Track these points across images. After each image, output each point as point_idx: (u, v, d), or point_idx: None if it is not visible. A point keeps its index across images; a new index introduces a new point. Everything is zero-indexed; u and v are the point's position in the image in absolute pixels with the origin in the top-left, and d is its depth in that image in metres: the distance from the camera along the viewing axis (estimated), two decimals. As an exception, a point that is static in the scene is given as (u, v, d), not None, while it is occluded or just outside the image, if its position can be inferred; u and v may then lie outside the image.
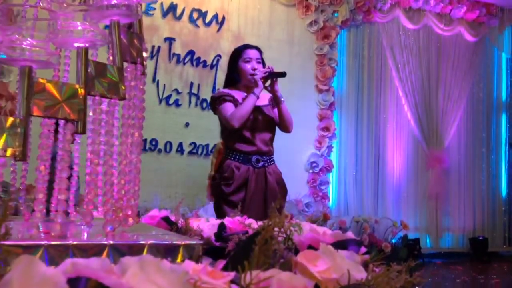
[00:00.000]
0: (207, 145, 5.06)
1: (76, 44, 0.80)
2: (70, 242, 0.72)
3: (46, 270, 0.46)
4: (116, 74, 0.87)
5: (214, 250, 1.25)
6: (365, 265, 0.73)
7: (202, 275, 0.49)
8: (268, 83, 3.00)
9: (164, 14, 5.04)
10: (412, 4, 6.13)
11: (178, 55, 5.08)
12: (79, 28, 0.80)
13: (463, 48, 6.47)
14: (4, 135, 0.71)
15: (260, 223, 1.22)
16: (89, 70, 0.83)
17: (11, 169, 1.05)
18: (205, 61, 5.17)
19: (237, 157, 3.00)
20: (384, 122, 6.07)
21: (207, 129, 4.92)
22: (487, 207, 6.57)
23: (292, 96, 5.33)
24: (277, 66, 5.19)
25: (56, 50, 0.94)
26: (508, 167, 6.81)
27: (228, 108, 2.97)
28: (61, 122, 0.89)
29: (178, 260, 0.77)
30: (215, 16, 5.23)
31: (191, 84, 5.12)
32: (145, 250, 0.75)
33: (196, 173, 4.95)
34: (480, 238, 6.33)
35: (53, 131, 0.80)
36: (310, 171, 5.55)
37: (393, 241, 4.83)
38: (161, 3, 5.01)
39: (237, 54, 3.13)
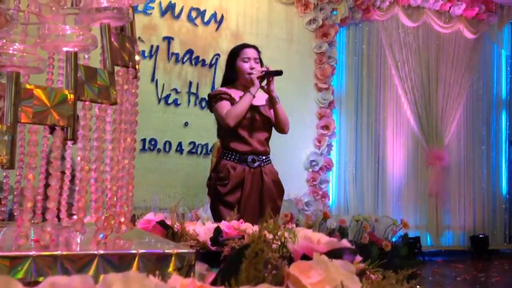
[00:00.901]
0: (206, 145, 5.04)
1: (65, 49, 0.79)
2: (59, 252, 0.70)
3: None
4: (107, 79, 0.85)
5: (210, 254, 1.23)
6: (361, 273, 0.71)
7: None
8: (264, 82, 2.98)
9: (163, 13, 5.02)
10: (411, 2, 6.11)
11: (177, 54, 5.06)
12: (68, 32, 0.79)
13: (463, 45, 6.45)
14: (-9, 143, 0.69)
15: (256, 227, 1.20)
16: (78, 75, 0.81)
17: (4, 173, 1.04)
18: (204, 60, 5.15)
19: (233, 157, 2.98)
20: (384, 120, 6.05)
21: (206, 129, 4.89)
22: (488, 205, 6.56)
23: (291, 94, 5.32)
24: (276, 64, 5.17)
25: (49, 53, 0.92)
26: (508, 164, 6.80)
27: (224, 106, 2.95)
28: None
29: (170, 269, 0.75)
30: (214, 15, 5.21)
31: (190, 83, 5.10)
32: (136, 259, 0.74)
33: (196, 172, 4.94)
34: (481, 236, 6.32)
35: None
36: (310, 169, 5.54)
37: (394, 239, 4.82)
38: (160, 2, 4.99)
39: (235, 53, 3.11)
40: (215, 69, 5.16)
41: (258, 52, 3.16)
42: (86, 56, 0.94)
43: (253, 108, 3.00)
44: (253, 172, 2.97)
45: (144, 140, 4.86)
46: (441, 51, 6.33)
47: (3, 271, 0.67)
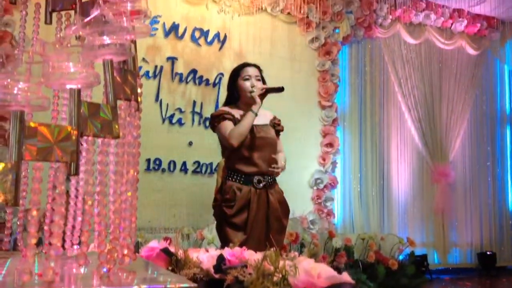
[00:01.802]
0: (211, 164, 5.05)
1: (68, 86, 0.80)
2: (62, 289, 0.71)
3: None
4: (110, 113, 0.87)
5: (213, 282, 1.23)
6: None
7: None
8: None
9: (166, 34, 5.07)
10: (412, 19, 6.15)
11: (181, 74, 5.10)
12: (72, 70, 0.80)
13: (465, 62, 6.47)
14: (-4, 181, 0.70)
15: (260, 254, 1.20)
16: (82, 111, 0.82)
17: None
18: (207, 80, 5.18)
19: (238, 178, 2.98)
20: (388, 137, 6.05)
21: (210, 148, 4.90)
22: (494, 221, 6.51)
23: (295, 113, 5.34)
24: (279, 83, 5.18)
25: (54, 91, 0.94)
26: (514, 180, 6.76)
27: (227, 126, 2.96)
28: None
29: (172, 303, 0.75)
30: (217, 35, 5.26)
31: (194, 102, 5.13)
32: (138, 295, 0.74)
33: (200, 192, 4.94)
34: (488, 253, 6.26)
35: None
36: (315, 187, 5.52)
37: (400, 258, 4.78)
38: (163, 23, 5.04)
39: (236, 72, 3.14)
40: (219, 88, 5.19)
41: (260, 70, 3.18)
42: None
43: (256, 128, 3.01)
44: (259, 192, 2.97)
45: (148, 160, 4.87)
46: (444, 67, 6.35)
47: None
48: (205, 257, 1.27)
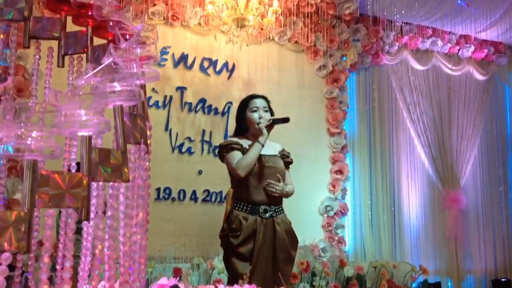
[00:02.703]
0: (221, 192, 5.05)
1: (80, 134, 0.83)
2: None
3: None
4: (120, 158, 0.89)
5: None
6: None
7: None
8: None
9: (176, 64, 5.15)
10: (419, 46, 6.20)
11: (190, 104, 5.15)
12: (84, 118, 0.83)
13: (474, 87, 6.47)
14: (9, 230, 0.72)
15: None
16: (92, 157, 0.84)
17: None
18: (216, 109, 5.23)
19: (245, 207, 2.99)
20: (398, 163, 6.02)
21: (220, 176, 4.91)
22: (508, 247, 6.41)
23: (304, 140, 5.36)
24: (287, 111, 5.25)
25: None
26: (527, 205, 6.67)
27: (235, 156, 2.99)
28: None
29: None
30: (225, 64, 5.33)
31: (203, 131, 5.17)
32: None
33: (210, 220, 4.93)
34: (503, 280, 6.14)
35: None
36: (325, 215, 5.49)
37: (414, 286, 4.71)
38: (173, 54, 5.13)
39: (244, 104, 3.18)
40: (228, 117, 5.23)
41: (267, 101, 3.22)
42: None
43: (265, 158, 3.03)
44: (265, 222, 2.97)
45: (158, 189, 4.89)
46: (452, 93, 6.35)
47: None
48: (215, 295, 1.27)
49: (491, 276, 6.23)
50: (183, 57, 5.16)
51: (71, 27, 1.23)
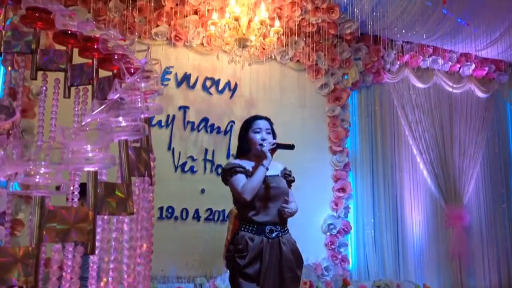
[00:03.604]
0: (223, 211, 5.06)
1: (86, 169, 0.85)
2: None
3: None
4: (125, 191, 0.91)
5: None
6: None
7: None
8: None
9: (178, 84, 5.20)
10: (420, 64, 6.24)
11: (193, 123, 5.19)
12: (90, 155, 0.85)
13: (475, 104, 6.50)
14: (18, 265, 0.74)
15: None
16: (98, 191, 0.87)
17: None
18: (219, 128, 5.26)
19: (250, 228, 2.99)
20: (401, 181, 6.02)
21: (222, 195, 4.88)
22: (512, 265, 6.37)
23: (306, 158, 5.37)
24: (289, 129, 5.30)
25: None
26: (531, 222, 6.65)
27: (240, 180, 3.00)
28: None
29: None
30: (228, 84, 5.37)
31: (206, 150, 5.19)
32: None
33: (213, 239, 4.93)
34: (508, 297, 6.10)
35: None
36: (328, 233, 5.48)
37: (417, 305, 4.68)
38: (175, 74, 5.18)
39: (247, 125, 3.20)
40: (230, 135, 5.26)
41: (270, 123, 3.25)
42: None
43: (268, 179, 3.05)
44: (271, 242, 2.97)
45: (161, 208, 4.90)
46: (454, 110, 6.38)
47: None
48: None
49: (496, 294, 6.20)
50: (186, 77, 5.22)
51: (77, 59, 1.26)
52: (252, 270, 2.93)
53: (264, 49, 5.01)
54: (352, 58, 5.86)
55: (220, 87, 5.34)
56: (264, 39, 4.79)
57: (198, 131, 5.20)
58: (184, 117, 5.18)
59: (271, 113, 5.03)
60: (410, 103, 6.19)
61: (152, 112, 1.00)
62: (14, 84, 2.21)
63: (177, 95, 5.19)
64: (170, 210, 4.95)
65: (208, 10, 5.08)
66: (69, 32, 1.21)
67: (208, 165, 5.18)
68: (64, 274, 0.98)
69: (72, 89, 1.26)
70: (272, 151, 3.02)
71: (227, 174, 3.05)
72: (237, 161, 3.10)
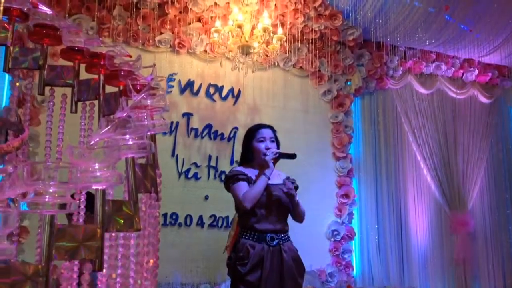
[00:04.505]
0: (227, 217, 5.07)
1: (94, 187, 0.87)
2: None
3: None
4: (132, 208, 0.93)
5: None
6: None
7: None
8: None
9: (182, 91, 5.22)
10: (423, 70, 6.25)
11: (196, 129, 5.20)
12: (98, 174, 0.87)
13: (479, 110, 6.50)
14: (27, 283, 0.76)
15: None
16: (106, 209, 0.88)
17: None
18: (222, 134, 5.28)
19: (252, 235, 3.01)
20: (404, 187, 6.02)
21: (226, 201, 4.90)
22: (518, 271, 6.35)
23: (310, 165, 5.38)
24: (293, 135, 5.31)
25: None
26: (535, 227, 6.63)
27: (241, 187, 3.02)
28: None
29: None
30: (231, 90, 5.39)
31: (210, 157, 5.20)
32: None
33: (217, 245, 4.93)
34: (513, 303, 6.08)
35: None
36: (332, 239, 5.48)
37: (421, 312, 4.67)
38: (179, 81, 5.20)
39: (251, 133, 3.22)
40: (234, 142, 5.27)
41: (274, 131, 3.26)
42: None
43: (270, 188, 3.06)
44: (272, 250, 2.99)
45: (165, 215, 4.91)
46: (457, 116, 6.38)
47: None
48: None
49: (501, 300, 6.17)
50: (189, 84, 5.24)
51: (84, 74, 1.28)
52: (253, 277, 2.95)
53: (267, 56, 5.04)
54: (355, 64, 5.87)
55: (224, 94, 5.36)
56: (267, 46, 4.82)
57: (202, 137, 5.22)
58: (188, 124, 5.19)
59: (274, 119, 5.06)
60: (413, 109, 6.19)
61: (158, 130, 1.01)
62: (20, 93, 2.23)
63: (181, 102, 5.21)
64: (174, 217, 4.96)
65: (211, 18, 5.11)
66: (76, 48, 1.23)
67: (212, 172, 5.19)
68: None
69: (79, 103, 1.28)
70: (275, 160, 3.04)
71: (229, 181, 3.08)
72: (241, 168, 3.12)
